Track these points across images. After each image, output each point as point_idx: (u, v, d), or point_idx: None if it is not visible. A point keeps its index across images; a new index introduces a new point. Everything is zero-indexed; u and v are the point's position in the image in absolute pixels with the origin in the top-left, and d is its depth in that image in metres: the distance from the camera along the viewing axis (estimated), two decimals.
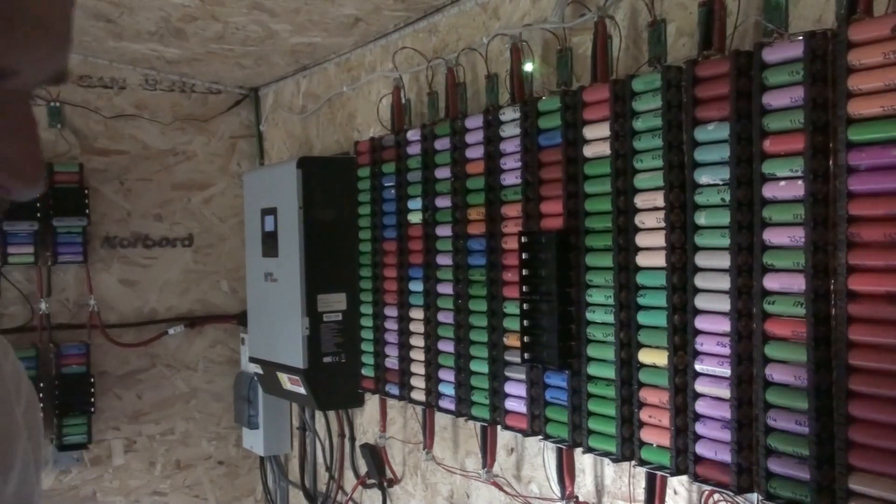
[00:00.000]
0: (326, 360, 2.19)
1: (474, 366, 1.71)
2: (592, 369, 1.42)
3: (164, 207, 2.90)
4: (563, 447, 1.52)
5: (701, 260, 1.23)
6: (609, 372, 1.38)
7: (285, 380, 2.32)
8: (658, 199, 1.29)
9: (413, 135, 1.89)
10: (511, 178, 1.59)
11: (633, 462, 1.36)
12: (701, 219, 1.23)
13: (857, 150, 1.03)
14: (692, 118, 1.23)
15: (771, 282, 1.14)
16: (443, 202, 1.79)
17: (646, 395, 1.33)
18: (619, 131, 1.35)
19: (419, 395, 1.89)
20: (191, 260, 2.94)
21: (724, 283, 1.19)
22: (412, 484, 2.17)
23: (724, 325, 1.19)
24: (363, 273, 2.09)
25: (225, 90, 2.98)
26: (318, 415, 2.58)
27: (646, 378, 1.33)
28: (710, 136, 1.21)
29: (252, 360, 2.53)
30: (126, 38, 2.44)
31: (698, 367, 1.24)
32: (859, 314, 1.04)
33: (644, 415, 1.33)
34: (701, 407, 1.24)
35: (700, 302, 1.23)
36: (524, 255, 1.51)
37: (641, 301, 1.33)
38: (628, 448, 1.35)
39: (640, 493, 1.41)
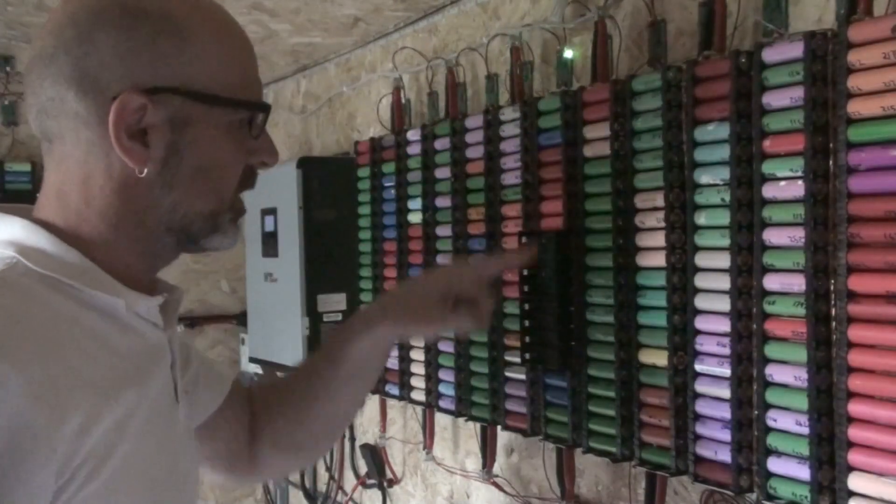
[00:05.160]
0: None
1: (474, 366, 1.71)
2: (592, 370, 1.42)
3: None
4: (563, 447, 1.52)
5: (701, 260, 1.23)
6: (609, 372, 1.38)
7: None
8: (658, 199, 1.29)
9: (413, 135, 1.89)
10: (511, 178, 1.59)
11: (633, 462, 1.36)
12: (701, 219, 1.23)
13: (857, 150, 1.03)
14: (692, 118, 1.23)
15: (771, 282, 1.14)
16: (443, 202, 1.79)
17: (646, 395, 1.33)
18: (619, 131, 1.35)
19: (419, 395, 1.89)
20: (191, 260, 2.94)
21: (724, 283, 1.19)
22: (412, 484, 2.17)
23: (724, 325, 1.19)
24: (363, 273, 2.09)
25: None
26: None
27: (646, 378, 1.33)
28: (710, 136, 1.21)
29: (252, 360, 2.53)
30: None
31: (698, 367, 1.24)
32: (859, 314, 1.04)
33: (644, 415, 1.33)
34: (701, 407, 1.24)
35: (700, 302, 1.23)
36: None
37: (641, 301, 1.33)
38: (628, 448, 1.35)
39: (640, 493, 1.41)
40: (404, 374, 1.94)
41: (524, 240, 1.51)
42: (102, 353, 0.76)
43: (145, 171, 0.77)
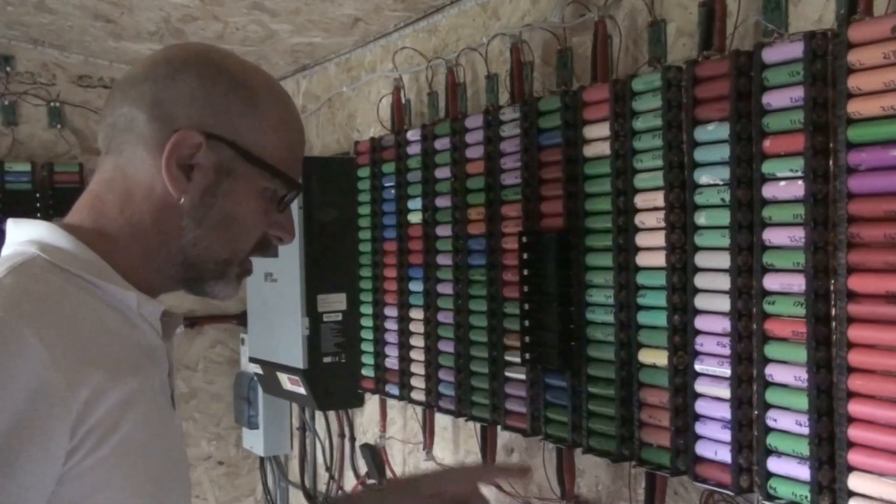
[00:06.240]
0: (326, 360, 2.19)
1: (474, 366, 1.71)
2: (592, 369, 1.42)
3: None
4: (563, 447, 1.52)
5: (701, 260, 1.23)
6: (609, 372, 1.38)
7: (285, 380, 2.32)
8: (658, 199, 1.29)
9: (413, 135, 1.89)
10: (511, 178, 1.59)
11: (633, 462, 1.36)
12: (701, 219, 1.23)
13: (857, 150, 1.03)
14: (692, 118, 1.23)
15: (771, 282, 1.14)
16: (443, 202, 1.79)
17: (646, 395, 1.33)
18: (619, 131, 1.35)
19: (419, 395, 1.89)
20: None
21: (724, 283, 1.19)
22: None
23: (724, 325, 1.19)
24: (363, 273, 2.09)
25: None
26: (318, 415, 2.58)
27: (646, 378, 1.33)
28: (710, 136, 1.21)
29: (252, 360, 2.53)
30: (126, 38, 2.44)
31: (698, 367, 1.24)
32: (859, 314, 1.04)
33: (644, 415, 1.33)
34: (701, 407, 1.24)
35: (700, 302, 1.23)
36: (524, 255, 1.51)
37: (641, 301, 1.33)
38: (628, 448, 1.35)
39: (640, 493, 1.41)
40: (404, 374, 1.94)
41: (524, 240, 1.51)
42: (110, 340, 0.83)
43: (182, 199, 0.88)
